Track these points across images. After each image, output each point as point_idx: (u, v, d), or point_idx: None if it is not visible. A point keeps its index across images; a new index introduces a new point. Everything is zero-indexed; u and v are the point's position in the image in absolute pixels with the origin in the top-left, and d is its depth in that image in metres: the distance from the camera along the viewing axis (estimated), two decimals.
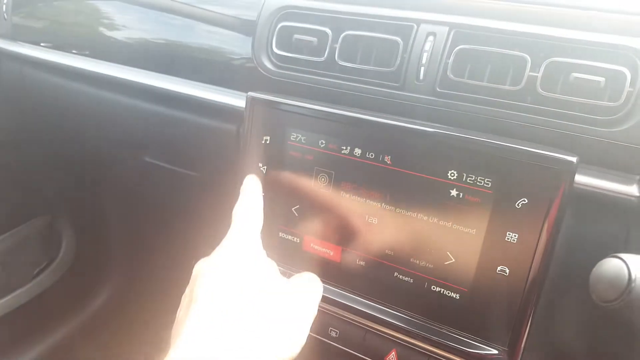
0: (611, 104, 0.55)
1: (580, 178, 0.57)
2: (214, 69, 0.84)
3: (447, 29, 0.63)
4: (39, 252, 1.45)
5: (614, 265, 0.44)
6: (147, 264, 1.60)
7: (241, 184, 0.73)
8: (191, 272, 0.57)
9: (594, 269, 0.47)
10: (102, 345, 1.59)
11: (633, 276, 0.42)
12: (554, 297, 0.60)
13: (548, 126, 0.58)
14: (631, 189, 0.56)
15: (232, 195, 0.73)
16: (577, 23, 0.58)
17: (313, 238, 0.68)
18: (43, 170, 1.40)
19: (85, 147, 1.21)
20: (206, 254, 0.59)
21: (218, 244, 0.59)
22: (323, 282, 0.68)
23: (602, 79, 0.55)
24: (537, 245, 0.54)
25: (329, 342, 0.69)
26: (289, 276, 0.58)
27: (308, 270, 0.69)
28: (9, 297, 1.35)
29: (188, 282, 0.58)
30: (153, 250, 1.56)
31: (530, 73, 0.58)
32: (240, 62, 0.80)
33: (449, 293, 0.60)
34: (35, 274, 1.44)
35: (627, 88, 0.55)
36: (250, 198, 0.64)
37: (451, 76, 0.62)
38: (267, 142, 0.69)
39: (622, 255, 0.45)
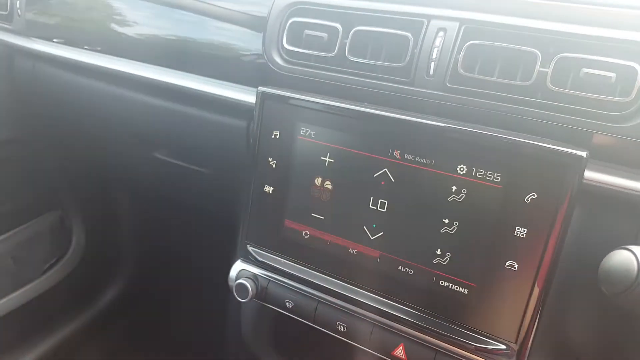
0: (622, 99, 0.55)
1: (590, 174, 0.57)
2: (224, 65, 0.84)
3: (457, 24, 0.63)
4: (50, 247, 1.46)
5: (623, 257, 0.45)
6: (156, 260, 1.61)
7: (251, 178, 0.73)
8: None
9: (603, 261, 0.47)
10: (110, 340, 1.60)
11: None
12: (564, 293, 0.60)
13: (558, 121, 0.58)
14: None
15: (243, 191, 0.73)
16: (588, 18, 0.58)
17: (320, 232, 0.68)
18: (54, 166, 1.41)
19: (95, 142, 1.21)
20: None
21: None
22: (330, 275, 0.69)
23: (612, 75, 0.55)
24: (546, 240, 0.54)
25: (337, 336, 0.69)
26: None
27: (314, 263, 0.69)
28: (19, 291, 1.36)
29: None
30: (162, 246, 1.57)
31: (541, 69, 0.58)
32: (251, 58, 0.80)
33: (457, 288, 0.60)
34: (46, 269, 1.45)
35: (638, 83, 0.54)
36: None
37: (461, 71, 0.62)
38: (277, 136, 0.69)
39: (632, 247, 0.45)
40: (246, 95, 0.79)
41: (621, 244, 0.55)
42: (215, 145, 0.92)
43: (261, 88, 0.70)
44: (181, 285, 1.56)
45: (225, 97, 0.82)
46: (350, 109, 0.63)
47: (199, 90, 0.85)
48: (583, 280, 0.58)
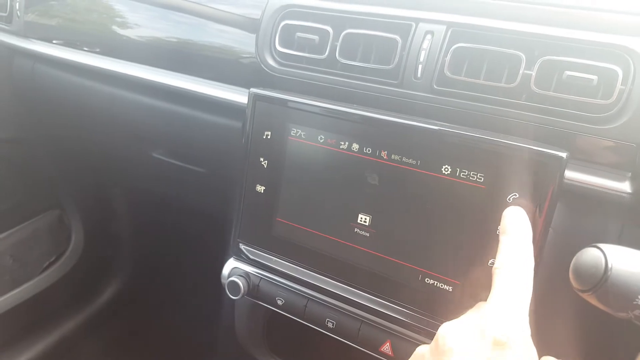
0: (603, 101, 0.56)
1: (572, 174, 0.58)
2: (220, 67, 0.86)
3: (444, 27, 0.64)
4: (49, 245, 1.48)
5: (592, 255, 0.46)
6: (155, 259, 1.62)
7: (243, 177, 0.74)
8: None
9: (574, 259, 0.48)
10: (109, 338, 1.61)
11: (609, 265, 0.43)
12: (545, 291, 0.61)
13: (542, 123, 0.59)
14: (623, 186, 0.57)
15: (237, 191, 0.75)
16: (571, 22, 0.59)
17: (310, 230, 0.69)
18: (53, 166, 1.42)
19: (94, 142, 1.23)
20: None
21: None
22: (320, 273, 0.70)
23: (594, 77, 0.56)
24: None
25: (326, 332, 0.70)
26: None
27: (304, 261, 0.70)
28: (18, 289, 1.37)
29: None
30: (160, 245, 1.58)
31: (525, 71, 0.59)
32: (245, 60, 0.82)
33: (442, 285, 0.61)
34: (45, 267, 1.46)
35: (619, 86, 0.56)
36: (519, 251, 0.50)
37: (448, 74, 0.63)
38: (268, 137, 0.70)
39: (601, 245, 0.46)
40: (240, 97, 0.80)
41: (604, 243, 0.56)
42: (211, 146, 0.94)
43: (253, 89, 0.71)
44: (179, 284, 1.57)
45: (220, 98, 0.83)
46: (338, 110, 0.64)
47: (195, 91, 0.86)
48: (565, 279, 0.59)
